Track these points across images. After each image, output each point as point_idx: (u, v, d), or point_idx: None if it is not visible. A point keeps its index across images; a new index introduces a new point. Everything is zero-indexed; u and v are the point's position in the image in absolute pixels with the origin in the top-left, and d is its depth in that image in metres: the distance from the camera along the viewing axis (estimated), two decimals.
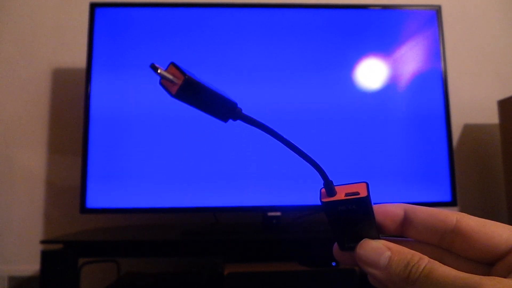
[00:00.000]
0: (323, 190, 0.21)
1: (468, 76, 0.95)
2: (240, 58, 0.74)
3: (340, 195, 0.20)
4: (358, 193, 0.20)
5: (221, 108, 0.20)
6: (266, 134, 0.20)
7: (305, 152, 0.20)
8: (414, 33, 0.77)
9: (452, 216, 0.20)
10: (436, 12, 0.78)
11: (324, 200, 0.20)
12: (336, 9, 0.77)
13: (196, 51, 0.74)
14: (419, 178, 0.74)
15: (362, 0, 0.90)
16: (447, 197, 0.73)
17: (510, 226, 0.19)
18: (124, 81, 0.73)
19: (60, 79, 0.89)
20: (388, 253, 0.19)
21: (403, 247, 0.20)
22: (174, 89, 0.19)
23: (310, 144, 0.73)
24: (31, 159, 0.87)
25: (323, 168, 0.21)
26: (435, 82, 0.76)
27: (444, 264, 0.18)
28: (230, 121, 0.20)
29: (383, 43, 0.76)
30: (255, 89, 0.74)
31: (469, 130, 0.93)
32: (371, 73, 0.75)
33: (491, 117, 0.90)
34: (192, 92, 0.19)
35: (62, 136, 0.87)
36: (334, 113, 0.74)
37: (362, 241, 0.20)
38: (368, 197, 0.20)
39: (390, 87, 0.76)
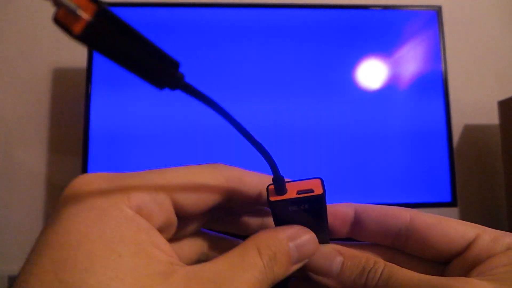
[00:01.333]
0: (271, 187, 0.17)
1: (468, 76, 0.95)
2: (239, 57, 0.74)
3: (291, 193, 0.17)
4: (312, 191, 0.17)
5: (155, 67, 0.14)
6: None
7: (257, 139, 0.16)
8: (414, 34, 0.77)
9: (405, 212, 0.19)
10: (437, 13, 0.78)
11: (273, 199, 0.17)
12: (336, 9, 0.77)
13: (196, 50, 0.74)
14: (418, 178, 0.73)
15: (362, 0, 0.90)
16: (447, 198, 0.73)
17: (466, 222, 0.18)
18: (125, 81, 0.73)
19: (61, 78, 0.89)
20: (340, 259, 0.18)
21: (356, 251, 0.18)
22: (79, 26, 0.12)
23: (308, 141, 0.73)
24: (31, 158, 0.87)
25: (275, 161, 0.17)
26: (435, 82, 0.76)
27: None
28: (167, 90, 0.15)
29: (383, 44, 0.76)
30: (255, 88, 0.74)
31: (469, 130, 0.93)
32: (370, 73, 0.75)
33: (492, 117, 0.90)
34: (109, 33, 0.12)
35: (63, 136, 0.87)
36: (334, 113, 0.74)
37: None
38: (323, 195, 0.17)
39: (390, 87, 0.75)
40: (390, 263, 0.17)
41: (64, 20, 0.12)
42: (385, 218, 0.19)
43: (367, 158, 0.73)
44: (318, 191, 0.17)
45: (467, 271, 0.16)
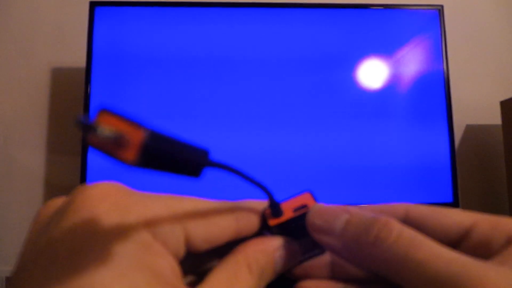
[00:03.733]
0: (267, 211, 0.18)
1: (470, 76, 0.94)
2: (239, 57, 0.74)
3: (288, 212, 0.18)
4: (306, 206, 0.18)
5: (192, 164, 0.14)
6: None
7: (257, 180, 0.16)
8: (415, 33, 0.76)
9: (400, 206, 0.18)
10: (438, 12, 0.77)
11: (273, 223, 0.18)
12: (336, 8, 0.77)
13: (196, 50, 0.74)
14: (420, 178, 0.73)
15: None
16: (448, 198, 0.72)
17: (462, 210, 0.17)
18: (124, 81, 0.72)
19: (60, 78, 0.89)
20: (345, 216, 0.16)
21: (364, 210, 0.17)
22: (130, 154, 0.12)
23: (310, 143, 0.72)
24: (30, 158, 0.86)
25: (270, 189, 0.17)
26: (437, 82, 0.75)
27: None
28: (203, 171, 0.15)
29: (384, 43, 0.76)
30: (254, 88, 0.73)
31: (471, 130, 0.93)
32: (372, 73, 0.75)
33: (493, 117, 0.90)
34: (158, 153, 0.12)
35: (62, 136, 0.87)
36: (334, 113, 0.73)
37: (313, 205, 0.18)
38: None
39: (391, 87, 0.75)
40: (408, 228, 0.15)
41: (105, 148, 0.12)
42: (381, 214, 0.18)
43: (369, 158, 0.73)
44: (312, 205, 0.18)
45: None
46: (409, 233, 0.15)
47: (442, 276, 0.13)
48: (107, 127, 0.11)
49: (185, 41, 0.74)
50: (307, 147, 0.72)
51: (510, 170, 0.79)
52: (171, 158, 0.13)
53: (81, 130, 0.11)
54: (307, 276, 0.20)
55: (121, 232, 0.14)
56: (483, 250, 0.16)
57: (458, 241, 0.17)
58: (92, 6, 0.74)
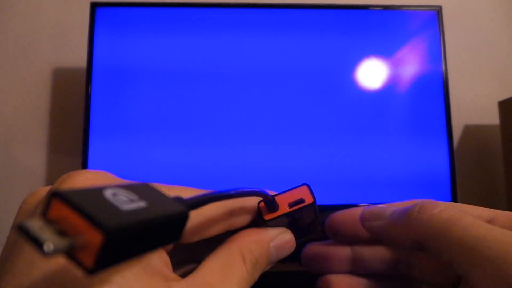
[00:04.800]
0: (262, 205, 0.18)
1: (468, 76, 0.94)
2: (239, 56, 0.74)
3: (283, 206, 0.18)
4: (303, 200, 0.18)
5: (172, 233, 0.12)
6: None
7: (244, 189, 0.16)
8: (414, 34, 0.77)
9: (412, 203, 0.19)
10: (437, 13, 0.77)
11: (268, 217, 0.17)
12: (335, 9, 0.77)
13: (196, 50, 0.74)
14: (418, 178, 0.73)
15: (362, 0, 0.89)
16: (447, 198, 0.73)
17: (479, 206, 0.18)
18: (125, 81, 0.73)
19: (61, 78, 0.89)
20: (392, 209, 0.18)
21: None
22: (89, 260, 0.09)
23: (308, 145, 0.73)
24: (31, 158, 0.87)
25: (261, 189, 0.17)
26: (435, 82, 0.76)
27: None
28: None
29: (383, 44, 0.76)
30: (254, 87, 0.74)
31: (470, 131, 0.93)
32: (371, 74, 0.75)
33: (492, 118, 0.90)
34: (124, 245, 0.10)
35: (62, 136, 0.87)
36: (333, 114, 0.74)
37: (363, 209, 0.19)
38: (315, 202, 0.18)
39: (390, 87, 0.75)
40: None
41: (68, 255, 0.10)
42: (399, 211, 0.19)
43: (367, 158, 0.73)
44: (309, 199, 0.18)
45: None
46: (450, 208, 0.16)
47: (488, 241, 0.14)
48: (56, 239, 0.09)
49: (186, 42, 0.74)
50: (306, 148, 0.72)
51: (508, 170, 0.79)
52: (144, 239, 0.11)
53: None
54: (328, 271, 0.20)
55: None
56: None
57: None
58: (93, 7, 0.74)
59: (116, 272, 0.12)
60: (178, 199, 0.13)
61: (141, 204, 0.11)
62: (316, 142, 0.73)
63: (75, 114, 0.85)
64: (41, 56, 0.89)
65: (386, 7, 0.78)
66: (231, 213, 0.18)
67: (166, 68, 0.73)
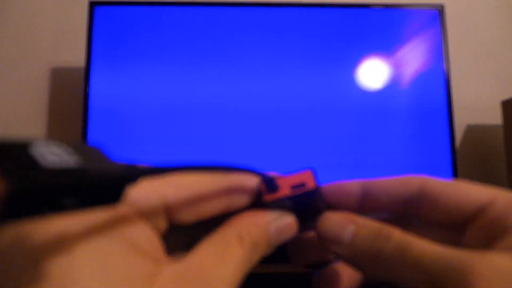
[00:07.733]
0: (262, 186, 0.17)
1: (471, 76, 0.94)
2: (239, 56, 0.74)
3: (285, 189, 0.17)
4: (305, 184, 0.17)
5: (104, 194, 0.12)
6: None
7: (231, 165, 0.16)
8: (416, 33, 0.76)
9: (414, 180, 0.18)
10: (439, 12, 0.77)
11: (267, 199, 0.17)
12: (336, 8, 0.77)
13: (196, 49, 0.74)
14: None
15: None
16: None
17: (479, 185, 0.17)
18: (124, 81, 0.72)
19: (59, 78, 0.89)
20: (352, 228, 0.17)
21: (369, 220, 0.17)
22: None
23: (310, 144, 0.72)
24: None
25: (257, 169, 0.17)
26: (437, 82, 0.75)
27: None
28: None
29: (385, 43, 0.76)
30: (254, 87, 0.73)
31: (472, 130, 0.92)
32: (372, 73, 0.75)
33: (494, 117, 0.90)
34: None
35: (61, 135, 0.87)
36: (335, 113, 0.73)
37: (323, 215, 0.17)
38: (317, 188, 0.17)
39: (391, 87, 0.75)
40: (406, 234, 0.16)
41: None
42: (394, 188, 0.18)
43: (368, 158, 0.72)
44: (311, 183, 0.17)
45: (487, 241, 0.15)
46: (405, 238, 0.16)
47: (437, 268, 0.14)
48: None
49: (186, 41, 0.74)
50: (306, 146, 0.72)
51: (510, 169, 0.78)
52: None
53: None
54: (335, 207, 0.20)
55: None
56: (499, 227, 0.15)
57: (473, 217, 0.16)
58: (92, 5, 0.74)
59: (95, 243, 0.12)
60: (129, 165, 0.12)
61: (69, 160, 0.11)
62: (316, 142, 0.72)
63: (74, 113, 0.84)
64: (40, 56, 0.88)
65: (387, 6, 0.77)
66: (228, 192, 0.17)
67: (165, 67, 0.73)
